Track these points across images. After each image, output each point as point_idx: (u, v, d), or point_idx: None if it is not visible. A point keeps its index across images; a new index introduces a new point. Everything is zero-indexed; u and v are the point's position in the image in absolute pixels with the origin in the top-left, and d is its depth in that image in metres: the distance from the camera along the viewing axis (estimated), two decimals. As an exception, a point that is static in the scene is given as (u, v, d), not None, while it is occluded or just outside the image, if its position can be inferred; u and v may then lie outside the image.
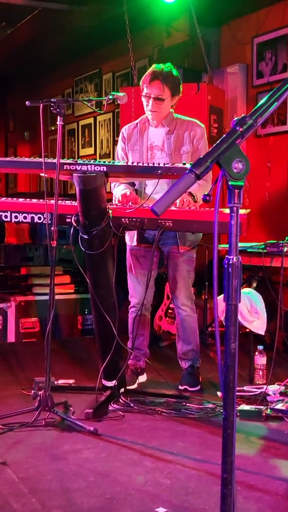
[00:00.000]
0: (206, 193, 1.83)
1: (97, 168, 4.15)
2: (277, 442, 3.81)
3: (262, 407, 4.23)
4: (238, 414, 4.18)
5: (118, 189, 4.67)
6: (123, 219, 4.27)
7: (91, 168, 4.16)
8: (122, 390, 4.56)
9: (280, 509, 2.92)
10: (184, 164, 4.17)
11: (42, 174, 4.21)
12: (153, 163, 4.31)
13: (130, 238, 4.84)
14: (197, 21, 7.54)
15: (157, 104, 4.66)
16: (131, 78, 8.63)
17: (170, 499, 2.99)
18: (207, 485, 3.12)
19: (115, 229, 4.26)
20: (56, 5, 8.30)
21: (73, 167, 4.17)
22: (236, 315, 1.79)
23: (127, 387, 4.67)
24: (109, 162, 4.26)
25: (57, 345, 6.27)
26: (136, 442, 3.75)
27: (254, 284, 5.05)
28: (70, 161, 4.23)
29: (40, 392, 4.01)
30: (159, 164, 4.25)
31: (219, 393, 4.53)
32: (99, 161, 4.21)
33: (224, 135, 1.81)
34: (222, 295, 1.87)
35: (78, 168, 4.17)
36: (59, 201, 4.13)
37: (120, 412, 4.25)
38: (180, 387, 4.84)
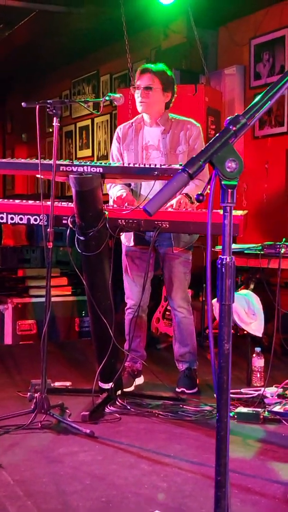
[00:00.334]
0: (199, 193, 1.81)
1: (93, 169, 4.13)
2: (274, 444, 3.79)
3: (259, 409, 4.22)
4: (236, 416, 4.16)
5: (114, 190, 4.66)
6: (119, 221, 4.25)
7: (87, 169, 4.14)
8: (119, 392, 4.54)
9: (277, 512, 2.90)
10: (181, 165, 4.15)
11: (39, 176, 4.20)
12: (150, 164, 4.29)
13: (127, 239, 4.81)
14: (194, 23, 7.53)
15: (145, 93, 4.64)
16: (129, 80, 8.63)
17: (167, 502, 2.97)
18: (204, 488, 3.10)
19: (111, 231, 4.24)
20: (53, 7, 8.29)
21: (69, 169, 4.15)
22: (229, 316, 1.77)
23: (124, 389, 4.66)
24: (106, 163, 4.24)
25: (54, 347, 6.26)
26: (133, 444, 3.73)
27: (252, 286, 5.03)
28: (66, 162, 4.21)
29: (36, 395, 3.99)
30: (155, 165, 4.24)
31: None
32: (95, 162, 4.20)
33: (217, 134, 1.79)
34: None
35: (74, 169, 4.15)
36: (56, 203, 4.11)
37: (117, 415, 4.23)
38: (177, 389, 4.82)
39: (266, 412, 4.18)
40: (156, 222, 4.24)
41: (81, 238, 4.20)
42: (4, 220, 4.43)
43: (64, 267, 7.62)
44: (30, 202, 4.45)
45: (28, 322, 6.77)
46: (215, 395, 4.47)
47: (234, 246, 5.06)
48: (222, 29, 8.03)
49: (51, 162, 4.06)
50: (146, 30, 8.69)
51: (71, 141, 11.30)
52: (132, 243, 4.79)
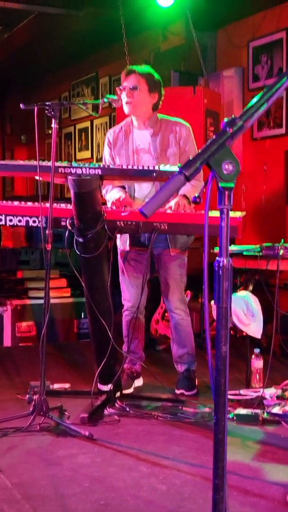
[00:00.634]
0: (196, 195, 1.80)
1: (92, 171, 4.13)
2: (273, 446, 3.79)
3: (258, 411, 4.21)
4: (235, 418, 4.16)
5: (112, 194, 4.63)
6: (118, 222, 4.25)
7: (85, 171, 4.14)
8: (118, 394, 4.53)
9: (276, 514, 2.89)
10: (180, 167, 4.14)
11: (37, 178, 4.20)
12: (148, 166, 4.28)
13: (123, 242, 4.79)
14: (193, 25, 7.53)
15: (131, 93, 4.61)
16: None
17: (166, 504, 2.97)
18: (203, 490, 3.10)
19: (110, 232, 4.24)
20: (52, 9, 8.28)
21: (67, 170, 4.15)
22: (227, 318, 1.77)
23: (123, 391, 4.65)
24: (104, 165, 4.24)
25: (53, 349, 6.25)
26: (132, 447, 3.72)
27: (251, 287, 5.02)
28: (65, 164, 4.20)
29: (35, 397, 3.99)
30: (148, 167, 4.24)
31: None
32: (94, 164, 4.19)
33: (214, 136, 1.79)
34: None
35: (73, 171, 4.15)
36: (54, 204, 4.11)
37: (116, 417, 4.22)
38: (176, 391, 4.81)
39: (265, 414, 4.18)
40: (154, 224, 4.23)
41: (80, 239, 4.20)
42: (3, 222, 4.43)
43: (63, 268, 7.62)
44: (29, 204, 4.44)
45: (27, 324, 6.76)
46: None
47: (233, 247, 5.06)
48: (220, 31, 8.02)
49: (49, 164, 4.06)
50: (145, 32, 8.69)
51: (70, 143, 11.31)
52: (127, 247, 4.77)
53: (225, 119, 1.79)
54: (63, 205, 4.35)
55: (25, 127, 12.77)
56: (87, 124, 10.70)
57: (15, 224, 4.42)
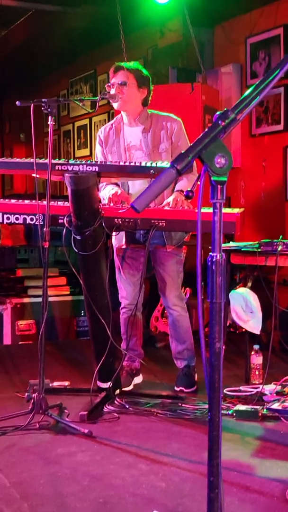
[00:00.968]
0: (189, 189, 1.78)
1: (89, 168, 4.12)
2: (273, 442, 3.78)
3: (258, 407, 4.21)
4: (234, 414, 4.15)
5: (106, 190, 4.61)
6: (115, 219, 4.23)
7: (83, 168, 4.12)
8: (117, 391, 4.53)
9: (276, 511, 2.88)
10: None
11: (34, 175, 4.18)
12: (140, 163, 4.26)
13: (118, 241, 4.77)
14: (190, 22, 7.50)
15: (120, 89, 4.60)
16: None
17: (165, 502, 2.96)
18: (202, 487, 3.05)
19: (107, 230, 4.23)
20: (49, 6, 8.27)
21: (64, 167, 4.14)
22: (220, 314, 1.75)
23: (123, 389, 4.64)
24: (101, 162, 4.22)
25: (53, 347, 6.25)
26: (131, 444, 3.72)
27: (249, 284, 5.01)
28: (61, 161, 4.19)
29: (34, 395, 3.98)
30: (140, 163, 4.22)
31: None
32: (91, 161, 4.18)
33: (205, 130, 1.77)
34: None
35: (70, 168, 4.14)
36: (51, 202, 4.10)
37: (115, 414, 4.22)
38: (176, 388, 4.80)
39: (265, 410, 4.17)
40: (152, 221, 4.22)
41: (78, 237, 4.18)
42: (0, 220, 4.42)
43: (62, 266, 7.59)
44: (26, 201, 4.43)
45: (27, 322, 6.75)
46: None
47: (231, 244, 5.05)
48: (218, 27, 8.01)
49: (46, 161, 4.05)
50: (142, 29, 8.67)
51: (69, 140, 11.28)
52: (123, 244, 4.75)
53: (217, 112, 1.78)
54: (60, 203, 4.34)
55: (24, 126, 12.74)
56: (85, 121, 10.67)
57: (12, 222, 4.41)
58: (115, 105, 4.65)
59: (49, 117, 4.03)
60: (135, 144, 4.70)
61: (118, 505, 2.92)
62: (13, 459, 3.48)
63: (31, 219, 4.34)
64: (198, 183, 1.77)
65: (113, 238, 4.74)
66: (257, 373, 4.89)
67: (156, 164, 4.14)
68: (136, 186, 4.68)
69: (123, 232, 4.62)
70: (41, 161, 4.19)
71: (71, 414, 4.19)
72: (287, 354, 5.65)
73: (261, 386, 4.54)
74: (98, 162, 4.60)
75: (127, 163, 4.33)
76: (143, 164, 4.21)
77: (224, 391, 4.56)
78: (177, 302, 4.83)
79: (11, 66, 11.25)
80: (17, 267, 7.92)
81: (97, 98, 4.40)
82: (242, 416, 4.13)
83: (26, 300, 6.88)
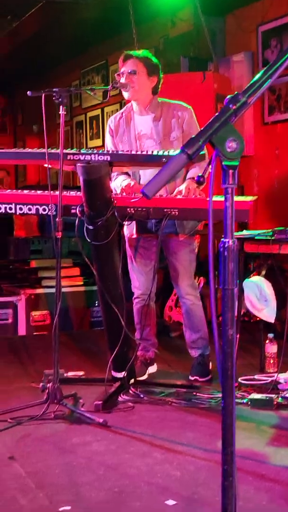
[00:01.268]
0: (199, 175, 1.76)
1: (101, 157, 4.10)
2: (288, 430, 3.77)
3: (273, 395, 4.20)
4: (249, 403, 4.14)
5: (118, 181, 4.59)
6: (128, 209, 4.21)
7: (94, 157, 4.11)
8: (132, 381, 4.52)
9: (291, 498, 2.87)
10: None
11: (46, 165, 4.17)
12: (152, 152, 4.23)
13: (129, 231, 4.74)
14: (201, 11, 7.47)
15: (130, 77, 4.57)
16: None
17: (180, 491, 2.95)
18: (217, 476, 3.04)
19: (120, 219, 4.21)
20: (60, -4, 8.27)
21: (76, 157, 4.13)
22: (233, 301, 1.74)
23: (137, 378, 4.64)
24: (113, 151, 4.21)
25: (67, 338, 6.25)
26: (146, 433, 3.71)
27: (263, 272, 4.99)
28: (73, 151, 4.18)
29: (49, 385, 3.98)
30: (152, 152, 4.20)
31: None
32: (103, 151, 4.17)
33: (216, 114, 1.75)
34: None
35: (82, 158, 4.12)
36: (64, 192, 4.09)
37: (130, 404, 4.22)
38: (190, 377, 4.79)
39: (280, 398, 4.16)
40: (165, 210, 4.20)
41: (90, 227, 4.17)
42: (13, 211, 4.42)
43: (76, 257, 7.59)
44: (39, 192, 4.43)
45: (41, 313, 6.76)
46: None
47: (245, 232, 5.03)
48: (229, 16, 7.97)
49: (58, 151, 4.04)
50: (153, 18, 8.64)
51: (81, 131, 11.28)
52: (134, 234, 4.72)
53: (228, 96, 1.76)
54: (73, 193, 4.33)
55: (36, 117, 12.73)
56: (98, 112, 10.66)
57: (25, 212, 4.41)
58: (126, 95, 4.62)
59: (61, 107, 4.02)
60: (146, 133, 4.68)
61: (133, 494, 2.92)
62: (28, 449, 3.48)
63: (44, 210, 4.34)
64: (209, 169, 1.75)
65: (125, 228, 4.71)
66: (271, 361, 4.89)
67: (168, 152, 4.11)
68: (147, 175, 4.65)
69: (134, 222, 4.60)
70: (53, 151, 4.18)
71: (86, 403, 4.19)
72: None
73: (276, 374, 4.52)
74: (110, 152, 4.60)
75: (138, 152, 4.30)
76: (155, 152, 4.18)
77: (239, 380, 4.55)
78: (190, 291, 4.81)
79: (23, 58, 11.24)
80: (30, 258, 7.94)
81: (108, 87, 4.38)
82: (257, 405, 4.12)
83: (40, 291, 6.89)
